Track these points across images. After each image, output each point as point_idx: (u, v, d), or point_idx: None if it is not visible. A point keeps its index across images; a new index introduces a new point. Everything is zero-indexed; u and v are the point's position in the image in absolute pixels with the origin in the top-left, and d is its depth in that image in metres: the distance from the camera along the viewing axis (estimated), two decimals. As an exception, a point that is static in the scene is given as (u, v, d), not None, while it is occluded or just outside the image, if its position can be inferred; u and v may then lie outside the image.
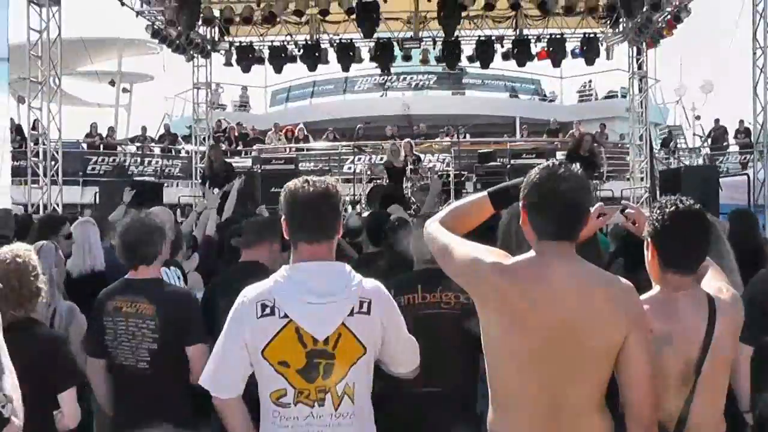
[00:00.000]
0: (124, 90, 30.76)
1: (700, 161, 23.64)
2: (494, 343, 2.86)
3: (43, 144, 14.77)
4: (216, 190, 14.20)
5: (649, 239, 3.12)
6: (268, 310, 2.96)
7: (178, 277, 5.58)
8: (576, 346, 2.70)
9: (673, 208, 3.04)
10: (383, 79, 30.94)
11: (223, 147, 22.13)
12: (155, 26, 18.30)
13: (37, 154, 14.83)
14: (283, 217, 3.10)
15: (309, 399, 2.96)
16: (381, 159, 18.31)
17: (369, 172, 17.70)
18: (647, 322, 2.83)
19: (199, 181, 17.97)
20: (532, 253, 2.82)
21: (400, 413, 3.78)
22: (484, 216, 3.17)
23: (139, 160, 23.51)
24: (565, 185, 2.72)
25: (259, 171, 17.55)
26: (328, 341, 2.94)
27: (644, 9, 16.56)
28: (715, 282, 3.19)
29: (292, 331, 2.94)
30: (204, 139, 21.10)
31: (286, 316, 2.94)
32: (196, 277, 6.40)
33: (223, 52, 20.61)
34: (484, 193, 3.14)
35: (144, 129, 25.88)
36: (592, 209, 2.99)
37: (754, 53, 14.63)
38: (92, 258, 5.94)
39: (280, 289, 2.99)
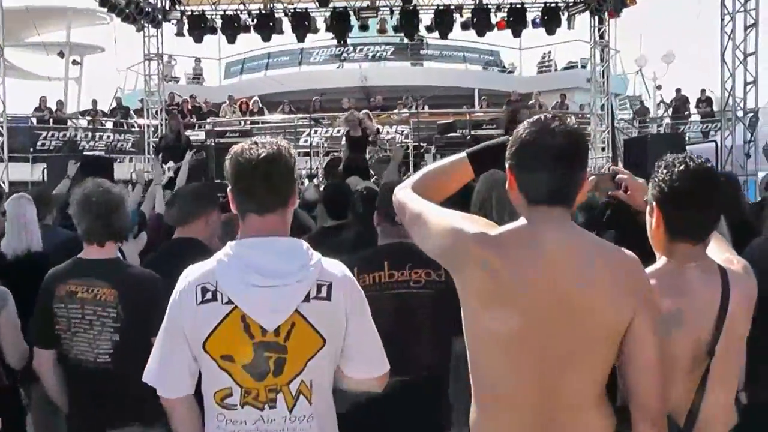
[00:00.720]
0: (74, 62, 29.68)
1: (662, 131, 23.49)
2: (478, 327, 2.38)
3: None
4: (171, 164, 13.76)
5: (654, 203, 2.66)
6: (209, 295, 2.46)
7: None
8: (574, 329, 2.25)
9: (683, 167, 2.57)
10: (339, 50, 30.39)
11: (179, 120, 21.61)
12: (103, -7, 17.62)
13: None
14: (228, 186, 2.60)
15: (258, 400, 2.47)
16: (338, 131, 17.75)
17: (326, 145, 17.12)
18: (656, 300, 2.40)
19: (152, 154, 17.35)
20: (521, 221, 2.36)
21: (366, 405, 3.27)
22: (463, 181, 2.71)
23: (90, 135, 22.64)
24: (559, 140, 2.26)
25: (213, 145, 16.97)
26: (279, 332, 2.44)
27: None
28: (722, 251, 2.76)
29: (237, 320, 2.44)
30: (156, 112, 20.50)
31: (229, 302, 2.44)
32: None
33: (174, 21, 20.07)
34: (463, 154, 2.67)
35: (95, 102, 25.12)
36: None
37: (722, 19, 14.40)
38: (28, 237, 5.31)
39: (224, 270, 2.48)
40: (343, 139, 14.87)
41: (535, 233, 2.30)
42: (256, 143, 2.56)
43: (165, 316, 2.59)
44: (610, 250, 2.39)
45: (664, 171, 2.60)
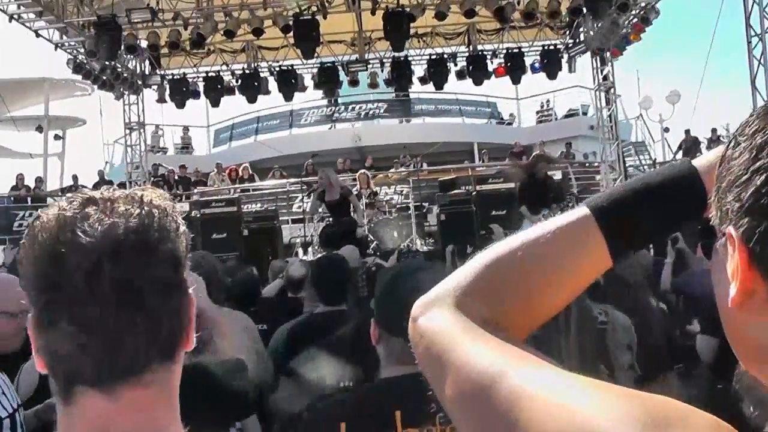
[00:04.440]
0: (57, 137, 28.52)
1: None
2: None
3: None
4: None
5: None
6: None
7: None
8: None
9: None
10: (331, 110, 29.58)
11: (161, 192, 20.54)
12: (77, 60, 16.64)
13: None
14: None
15: None
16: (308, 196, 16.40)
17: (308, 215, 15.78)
18: None
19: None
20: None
21: None
22: (585, 275, 1.14)
23: (71, 212, 21.46)
24: None
25: (199, 216, 15.76)
26: None
27: (610, 10, 15.13)
28: None
29: None
30: (142, 184, 19.34)
31: None
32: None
33: (155, 87, 19.18)
34: (581, 211, 1.12)
35: (75, 178, 24.08)
36: None
37: (749, 42, 13.25)
38: None
39: None
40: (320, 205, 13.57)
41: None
42: (89, 200, 1.23)
43: None
44: None
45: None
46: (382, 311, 2.34)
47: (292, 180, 21.61)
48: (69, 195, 1.28)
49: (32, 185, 22.83)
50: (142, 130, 19.73)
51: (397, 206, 17.04)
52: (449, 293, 1.13)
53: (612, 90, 18.87)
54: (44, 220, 1.21)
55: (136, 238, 1.19)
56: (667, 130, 26.70)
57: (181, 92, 18.74)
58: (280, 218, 16.90)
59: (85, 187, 23.03)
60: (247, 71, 18.73)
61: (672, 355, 4.04)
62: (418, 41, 18.59)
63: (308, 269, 5.78)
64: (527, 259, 1.11)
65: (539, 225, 1.13)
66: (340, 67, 18.65)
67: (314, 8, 15.73)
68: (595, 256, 1.10)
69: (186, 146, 30.94)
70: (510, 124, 31.57)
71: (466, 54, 18.81)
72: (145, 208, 1.23)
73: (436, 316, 1.12)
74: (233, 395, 3.03)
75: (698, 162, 1.09)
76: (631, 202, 1.10)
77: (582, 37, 18.37)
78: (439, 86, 19.35)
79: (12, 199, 21.62)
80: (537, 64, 18.70)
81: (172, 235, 1.25)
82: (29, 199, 21.69)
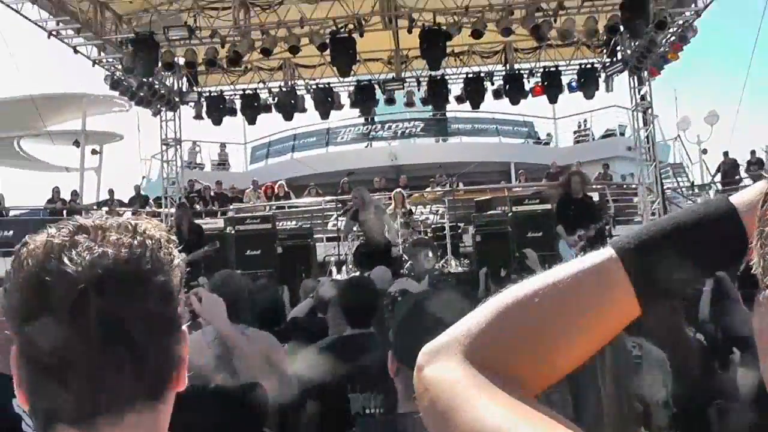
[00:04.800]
0: (94, 152, 28.77)
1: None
2: None
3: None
4: (183, 255, 12.59)
5: None
6: None
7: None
8: None
9: None
10: (367, 128, 29.59)
11: (198, 208, 20.63)
12: (115, 76, 16.76)
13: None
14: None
15: None
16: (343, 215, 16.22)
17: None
18: None
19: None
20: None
21: None
22: (610, 326, 1.02)
23: (104, 226, 21.64)
24: None
25: (233, 233, 15.76)
26: None
27: (648, 29, 14.93)
28: None
29: None
30: (178, 200, 19.45)
31: None
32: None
33: (192, 104, 19.22)
34: (607, 252, 1.01)
35: (111, 192, 24.23)
36: None
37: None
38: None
39: None
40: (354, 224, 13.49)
41: None
42: (80, 228, 1.18)
43: None
44: None
45: None
46: (399, 343, 2.23)
47: (328, 198, 21.66)
48: (60, 222, 1.21)
49: (68, 198, 22.97)
50: (178, 147, 19.76)
51: (432, 226, 16.88)
52: (458, 341, 1.02)
53: (650, 110, 18.56)
54: (31, 247, 1.14)
55: (126, 269, 1.12)
56: (705, 151, 26.29)
57: (218, 109, 18.77)
58: (315, 236, 16.85)
59: (122, 201, 23.25)
60: (283, 89, 18.68)
61: (710, 389, 3.87)
62: (455, 60, 18.46)
63: (338, 290, 5.69)
64: (545, 306, 0.99)
65: (560, 267, 1.01)
66: (376, 86, 18.53)
67: (351, 26, 15.71)
68: (622, 305, 0.98)
69: (223, 163, 31.16)
70: (547, 144, 31.42)
71: (503, 73, 18.63)
72: (138, 238, 1.17)
73: (442, 367, 1.02)
74: (246, 417, 2.95)
75: (737, 199, 0.97)
76: (662, 245, 0.97)
77: (619, 56, 18.13)
78: (475, 105, 19.17)
79: (48, 211, 21.71)
80: (574, 83, 18.48)
81: (166, 268, 1.18)
82: (65, 212, 21.74)
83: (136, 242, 1.15)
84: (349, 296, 4.71)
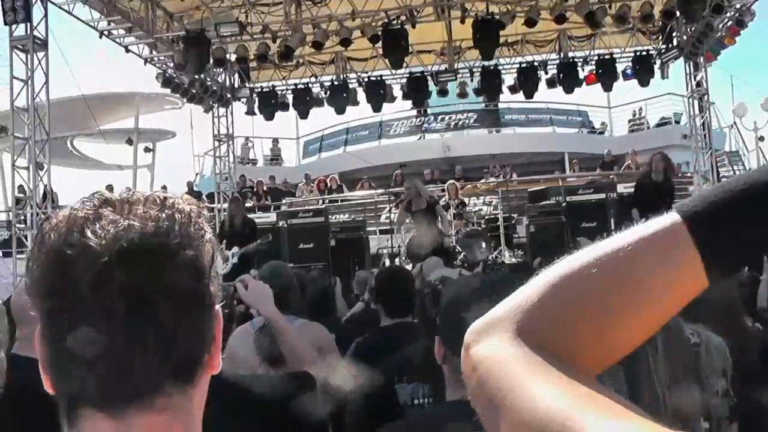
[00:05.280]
0: (147, 149, 29.16)
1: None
2: None
3: (33, 210, 12.80)
4: (235, 249, 12.65)
5: None
6: None
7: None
8: None
9: None
10: (420, 120, 29.42)
11: (250, 203, 20.71)
12: (166, 74, 16.91)
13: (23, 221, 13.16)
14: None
15: None
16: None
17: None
18: None
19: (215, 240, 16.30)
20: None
21: None
22: (675, 299, 0.91)
23: (156, 222, 21.86)
24: None
25: (286, 226, 15.80)
26: None
27: (704, 13, 14.62)
28: None
29: None
30: (231, 194, 19.58)
31: None
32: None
33: (244, 99, 19.32)
34: (671, 217, 0.89)
35: (164, 188, 24.21)
36: None
37: None
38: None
39: None
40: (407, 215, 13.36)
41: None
42: (106, 201, 1.10)
43: None
44: None
45: None
46: (446, 328, 2.16)
47: (380, 191, 21.58)
48: (86, 196, 1.15)
49: (120, 196, 23.23)
50: (231, 142, 19.92)
51: (486, 217, 16.74)
52: (509, 318, 0.94)
53: (705, 97, 18.23)
54: (54, 221, 1.09)
55: (153, 243, 1.05)
56: (762, 139, 25.52)
57: (270, 104, 18.87)
58: (368, 229, 16.83)
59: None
60: (335, 82, 18.70)
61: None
62: (508, 49, 18.32)
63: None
64: (603, 277, 0.90)
65: (619, 235, 0.91)
66: (429, 77, 18.49)
67: (403, 18, 15.65)
68: (688, 275, 0.88)
69: (275, 158, 31.25)
70: (602, 133, 30.88)
71: (557, 61, 18.46)
72: (167, 211, 1.10)
73: (492, 346, 0.93)
74: (296, 410, 2.90)
75: None
76: (735, 208, 0.86)
77: (675, 42, 17.80)
78: (529, 95, 19.04)
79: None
80: (629, 71, 18.24)
81: (196, 243, 1.10)
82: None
83: (164, 215, 1.08)
84: (383, 287, 4.67)
